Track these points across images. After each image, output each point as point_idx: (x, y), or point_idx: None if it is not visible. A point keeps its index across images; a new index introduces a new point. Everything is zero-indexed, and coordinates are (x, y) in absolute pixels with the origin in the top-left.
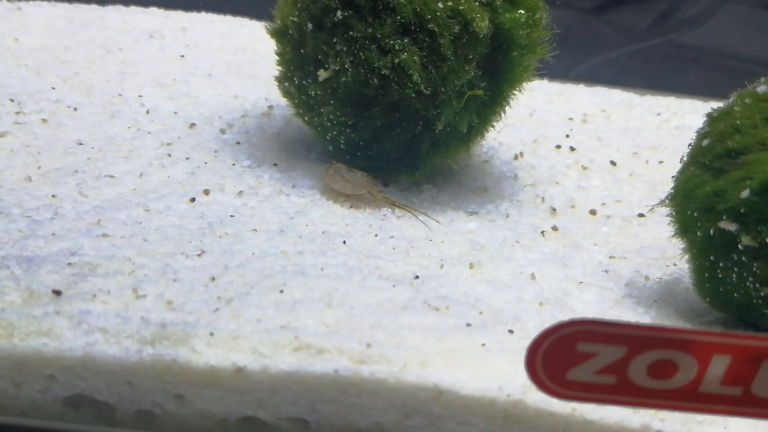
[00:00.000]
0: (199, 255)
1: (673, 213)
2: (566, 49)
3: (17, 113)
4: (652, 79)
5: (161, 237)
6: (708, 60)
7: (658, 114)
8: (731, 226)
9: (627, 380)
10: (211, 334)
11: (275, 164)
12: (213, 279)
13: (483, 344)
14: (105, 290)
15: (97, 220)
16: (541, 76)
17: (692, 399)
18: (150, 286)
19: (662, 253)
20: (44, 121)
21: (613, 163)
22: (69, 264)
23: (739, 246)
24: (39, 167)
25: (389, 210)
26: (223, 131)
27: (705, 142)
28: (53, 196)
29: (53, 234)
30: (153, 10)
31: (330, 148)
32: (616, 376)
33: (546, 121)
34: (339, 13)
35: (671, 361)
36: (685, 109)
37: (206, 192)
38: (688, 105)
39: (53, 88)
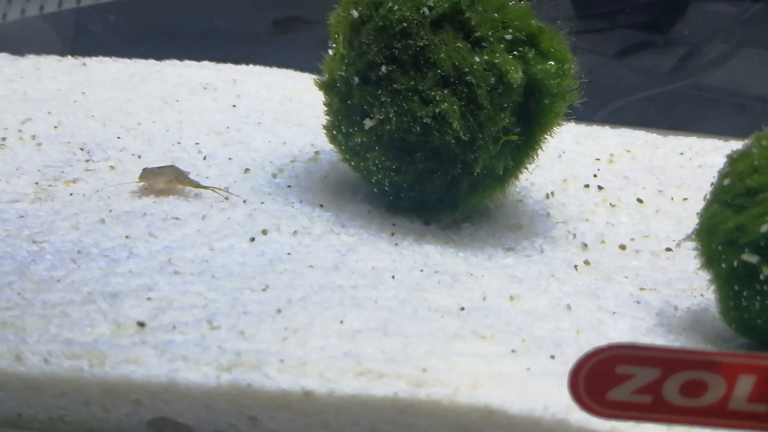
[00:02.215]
0: (263, 290)
1: (699, 247)
2: (592, 92)
3: (87, 161)
4: (674, 120)
5: (227, 273)
6: (727, 100)
7: (681, 153)
8: (753, 258)
9: (662, 399)
10: (281, 360)
11: (322, 205)
12: (279, 311)
13: (528, 368)
14: (183, 322)
15: (168, 259)
16: (569, 119)
17: (722, 416)
18: (223, 318)
19: (689, 285)
20: (112, 168)
21: (639, 200)
22: (148, 299)
23: (761, 276)
24: (110, 210)
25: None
26: (274, 175)
27: (726, 182)
28: (126, 236)
29: (130, 271)
30: (205, 63)
31: (375, 190)
32: (651, 396)
33: (574, 162)
34: (384, 68)
35: (701, 381)
36: (706, 149)
37: (264, 232)
38: (710, 144)
39: (119, 138)
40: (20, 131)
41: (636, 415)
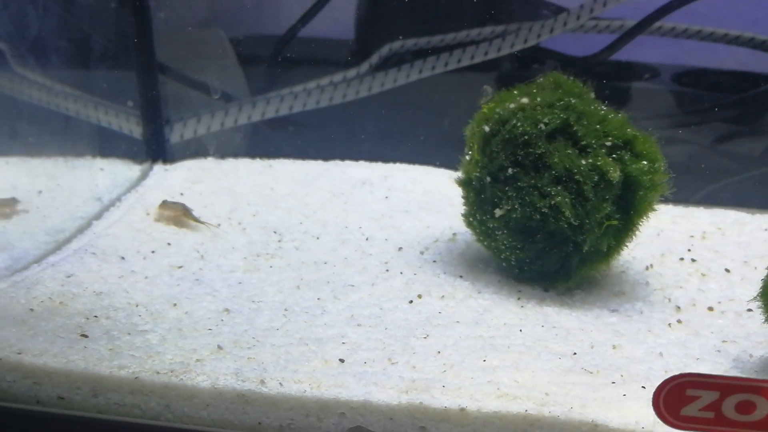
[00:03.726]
0: (425, 338)
1: (762, 306)
2: (689, 176)
3: (279, 242)
4: (762, 200)
5: (396, 326)
6: None
7: (766, 230)
8: None
9: (721, 415)
10: (443, 386)
11: (461, 276)
12: (438, 352)
13: (624, 395)
14: (371, 359)
15: (351, 315)
16: (668, 202)
17: (767, 428)
18: (399, 357)
19: (766, 338)
20: (297, 248)
21: (727, 270)
22: (343, 343)
23: None
24: (301, 279)
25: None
26: (422, 252)
27: None
28: (318, 298)
29: (325, 324)
30: (362, 163)
31: (503, 264)
32: (714, 412)
33: (671, 239)
34: (510, 170)
35: (751, 401)
36: None
37: (419, 296)
38: None
39: (300, 223)
40: (229, 218)
41: (703, 428)
